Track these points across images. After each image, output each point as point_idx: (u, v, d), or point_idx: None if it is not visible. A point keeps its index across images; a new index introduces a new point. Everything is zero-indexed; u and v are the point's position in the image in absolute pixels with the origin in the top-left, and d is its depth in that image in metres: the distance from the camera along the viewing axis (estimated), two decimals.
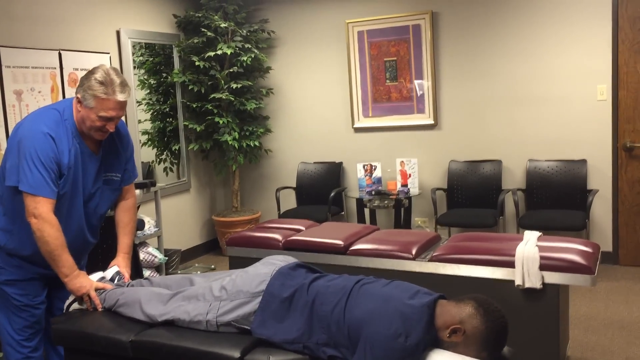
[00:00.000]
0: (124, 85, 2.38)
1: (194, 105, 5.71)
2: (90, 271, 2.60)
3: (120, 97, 2.36)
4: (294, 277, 2.20)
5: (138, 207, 3.88)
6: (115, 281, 2.56)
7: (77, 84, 2.43)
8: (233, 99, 5.65)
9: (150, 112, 5.67)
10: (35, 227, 2.33)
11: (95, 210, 2.58)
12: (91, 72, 2.38)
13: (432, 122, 5.52)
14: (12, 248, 2.49)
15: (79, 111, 2.40)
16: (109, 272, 2.59)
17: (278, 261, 2.33)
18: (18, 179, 2.34)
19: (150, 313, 2.28)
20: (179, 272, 5.14)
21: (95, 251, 2.99)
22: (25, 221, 2.37)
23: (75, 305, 2.50)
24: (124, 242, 2.70)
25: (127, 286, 2.51)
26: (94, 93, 2.33)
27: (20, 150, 2.35)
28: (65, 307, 2.52)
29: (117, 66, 5.10)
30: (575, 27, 4.94)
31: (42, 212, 2.32)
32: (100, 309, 2.43)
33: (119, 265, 2.64)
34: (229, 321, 2.16)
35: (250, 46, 5.69)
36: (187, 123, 5.76)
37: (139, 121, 5.42)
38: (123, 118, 2.62)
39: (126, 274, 2.63)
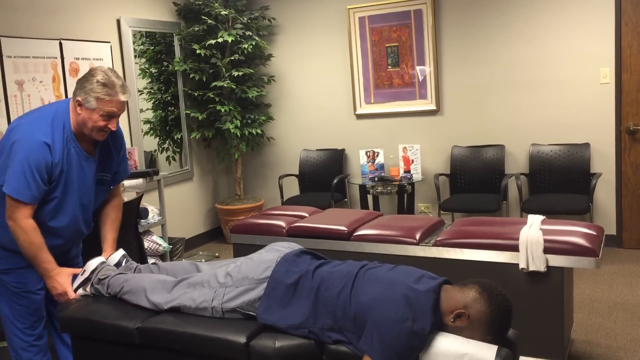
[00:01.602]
0: (124, 86, 2.42)
1: (196, 94, 5.70)
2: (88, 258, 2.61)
3: (122, 97, 2.40)
4: (298, 264, 2.21)
5: (141, 196, 3.89)
6: (123, 264, 2.56)
7: (76, 87, 2.42)
8: (234, 86, 5.64)
9: (152, 101, 5.66)
10: (12, 229, 2.40)
11: (88, 208, 2.62)
12: (91, 75, 2.39)
13: (434, 107, 5.51)
14: (6, 242, 2.49)
15: (79, 114, 2.40)
16: (115, 256, 2.60)
17: (283, 248, 2.33)
18: (4, 180, 2.36)
19: (155, 301, 2.29)
20: (183, 259, 5.15)
21: (95, 242, 2.99)
22: None
23: (80, 292, 2.51)
24: (111, 238, 2.73)
25: (135, 271, 2.53)
26: (97, 95, 2.35)
27: (12, 153, 2.35)
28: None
29: (118, 55, 5.09)
30: (577, 10, 4.91)
31: (17, 217, 2.36)
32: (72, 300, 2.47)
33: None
34: (234, 307, 2.17)
35: (251, 33, 5.66)
36: (188, 112, 5.75)
37: (141, 110, 5.41)
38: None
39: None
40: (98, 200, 2.66)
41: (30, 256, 2.43)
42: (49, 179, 2.39)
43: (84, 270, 2.53)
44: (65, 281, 2.48)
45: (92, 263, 2.54)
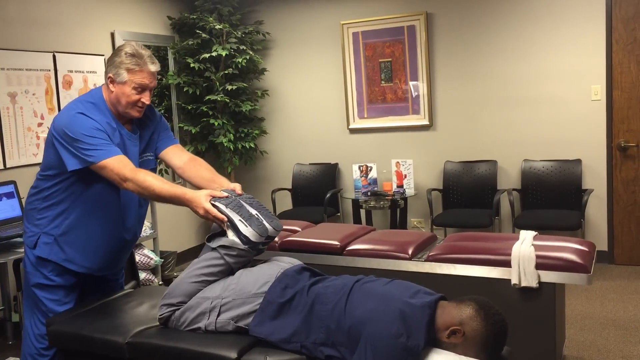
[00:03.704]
0: (152, 57, 2.43)
1: (189, 107, 5.70)
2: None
3: (152, 67, 2.40)
4: (297, 281, 2.19)
5: None
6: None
7: (106, 65, 2.43)
8: (228, 100, 5.64)
9: None
10: (134, 188, 2.28)
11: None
12: (119, 50, 2.40)
13: (427, 122, 5.53)
14: (47, 254, 2.44)
15: (112, 92, 2.40)
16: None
17: (284, 263, 2.32)
18: (83, 158, 2.29)
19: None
20: (174, 274, 5.12)
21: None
22: (91, 209, 2.41)
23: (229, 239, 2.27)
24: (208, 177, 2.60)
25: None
26: (127, 66, 2.36)
27: (69, 136, 2.31)
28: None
29: None
30: (569, 27, 4.96)
31: (125, 172, 2.27)
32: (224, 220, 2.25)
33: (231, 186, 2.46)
34: (229, 319, 2.15)
35: (245, 48, 5.68)
36: (182, 125, 5.75)
37: None
38: None
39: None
40: None
41: (164, 195, 2.30)
42: (109, 137, 2.34)
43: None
44: (198, 200, 2.28)
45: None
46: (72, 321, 2.39)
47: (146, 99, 2.41)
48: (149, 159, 2.61)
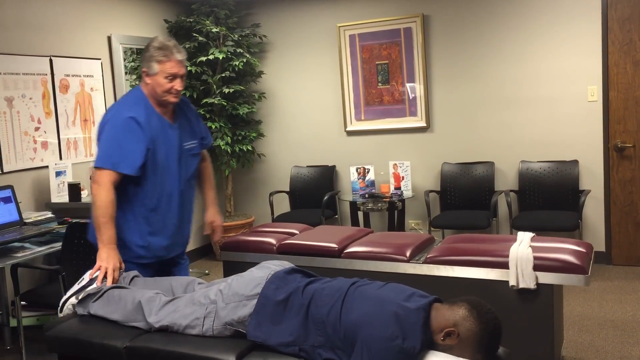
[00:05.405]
0: (178, 46, 2.68)
1: None
2: None
3: (178, 56, 2.65)
4: (289, 281, 2.20)
5: None
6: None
7: (140, 61, 2.74)
8: (225, 103, 5.65)
9: None
10: (93, 191, 2.57)
11: (185, 176, 2.82)
12: (148, 45, 2.66)
13: (425, 124, 5.54)
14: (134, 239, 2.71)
15: (148, 84, 2.65)
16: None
17: (274, 265, 2.33)
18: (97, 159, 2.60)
19: (148, 320, 2.26)
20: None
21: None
22: (134, 210, 2.67)
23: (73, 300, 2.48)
24: (211, 195, 3.16)
25: (130, 283, 2.54)
26: (157, 58, 2.61)
27: (104, 133, 2.61)
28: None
29: (109, 72, 5.10)
30: (565, 28, 4.98)
31: (102, 181, 2.54)
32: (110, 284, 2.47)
33: (213, 217, 3.15)
34: (224, 324, 2.15)
35: (242, 51, 5.69)
36: None
37: None
38: None
39: (218, 220, 3.15)
40: (190, 168, 2.84)
41: (100, 221, 2.53)
42: (145, 150, 2.59)
43: (82, 279, 2.50)
44: (114, 256, 2.54)
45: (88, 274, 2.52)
46: (69, 326, 2.39)
47: (178, 85, 2.66)
48: (192, 146, 2.85)
